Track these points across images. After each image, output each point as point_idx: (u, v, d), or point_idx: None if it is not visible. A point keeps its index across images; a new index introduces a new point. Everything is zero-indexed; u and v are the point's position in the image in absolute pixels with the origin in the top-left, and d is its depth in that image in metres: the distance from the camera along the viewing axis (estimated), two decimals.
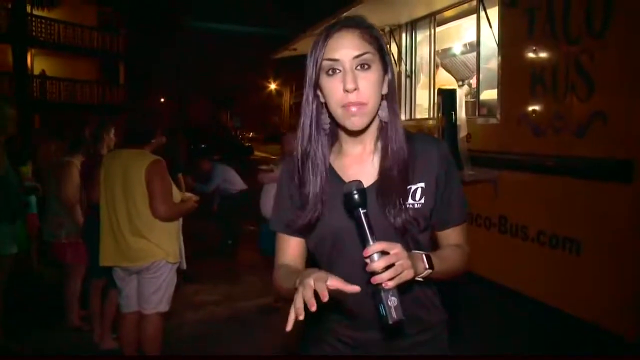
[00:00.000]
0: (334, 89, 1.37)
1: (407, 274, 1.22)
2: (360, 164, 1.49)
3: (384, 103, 1.42)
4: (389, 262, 1.19)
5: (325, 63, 1.37)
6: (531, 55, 4.30)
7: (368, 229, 1.24)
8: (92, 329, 4.47)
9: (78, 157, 4.47)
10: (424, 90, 6.42)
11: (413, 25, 6.36)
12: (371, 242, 1.22)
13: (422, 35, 6.36)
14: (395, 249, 1.21)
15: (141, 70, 29.40)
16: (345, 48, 1.36)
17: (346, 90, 1.34)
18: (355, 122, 1.38)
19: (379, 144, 1.48)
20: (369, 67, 1.36)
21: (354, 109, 1.35)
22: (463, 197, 1.55)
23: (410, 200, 1.42)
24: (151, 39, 29.59)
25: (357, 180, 1.30)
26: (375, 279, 1.18)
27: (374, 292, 1.20)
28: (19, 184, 4.29)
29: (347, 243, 1.43)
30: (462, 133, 4.91)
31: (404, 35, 6.45)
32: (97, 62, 27.00)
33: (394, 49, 6.55)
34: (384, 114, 1.43)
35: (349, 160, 1.50)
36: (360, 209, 1.26)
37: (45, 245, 5.34)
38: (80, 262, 4.54)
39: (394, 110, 1.43)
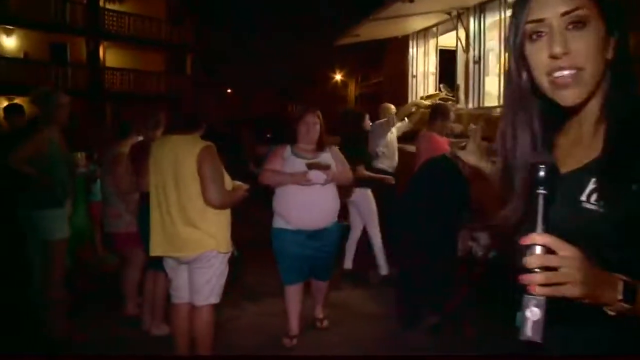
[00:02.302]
0: (538, 56, 1.10)
1: (569, 290, 0.93)
2: (572, 149, 1.19)
3: (609, 72, 1.09)
4: (549, 263, 0.93)
5: (529, 26, 1.10)
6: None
7: (542, 214, 0.98)
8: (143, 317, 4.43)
9: (128, 145, 4.45)
10: (493, 77, 6.05)
11: (482, 9, 6.01)
12: (539, 231, 0.96)
13: (491, 20, 5.99)
14: (568, 252, 0.94)
15: (207, 61, 29.92)
16: (551, 5, 1.08)
17: (553, 56, 1.07)
18: (566, 95, 1.09)
19: (602, 126, 1.14)
20: (584, 25, 1.07)
21: (563, 79, 1.08)
22: None
23: (582, 197, 1.09)
24: (218, 31, 30.07)
25: (547, 153, 1.07)
26: (524, 277, 0.93)
27: (518, 292, 0.95)
28: (69, 169, 4.29)
29: None
30: None
31: (472, 19, 6.10)
32: (165, 53, 27.62)
33: (461, 34, 6.22)
34: (608, 85, 1.11)
35: (561, 144, 1.22)
36: (540, 188, 1.00)
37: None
38: (139, 252, 4.52)
39: (627, 81, 1.10)
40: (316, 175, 3.83)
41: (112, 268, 6.04)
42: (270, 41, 36.87)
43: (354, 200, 5.44)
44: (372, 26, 6.75)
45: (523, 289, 0.92)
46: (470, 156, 4.75)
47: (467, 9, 6.13)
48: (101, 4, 23.62)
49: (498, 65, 5.84)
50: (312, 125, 3.96)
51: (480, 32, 6.07)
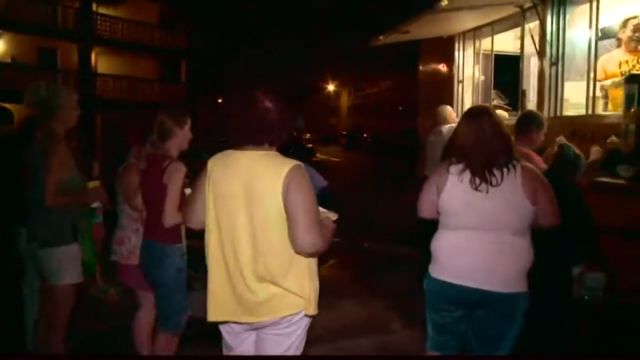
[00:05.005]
0: None
1: None
2: None
3: None
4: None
5: None
6: None
7: None
8: None
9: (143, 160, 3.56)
10: (573, 82, 5.19)
11: (561, 0, 5.14)
12: None
13: (574, 11, 5.12)
14: None
15: (202, 68, 28.99)
16: None
17: None
18: None
19: None
20: None
21: None
22: None
23: None
24: (213, 37, 29.23)
25: None
26: None
27: None
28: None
29: None
30: None
31: (549, 12, 5.21)
32: (159, 59, 26.70)
33: (535, 30, 5.36)
34: None
35: None
36: None
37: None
38: (147, 291, 3.57)
39: None
40: None
41: (115, 301, 5.13)
42: (265, 48, 36.11)
43: None
44: (427, 21, 5.87)
45: None
46: None
47: (544, 0, 5.24)
48: (94, 8, 22.68)
49: (588, 66, 4.93)
50: None
51: (558, 28, 5.18)
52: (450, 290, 2.67)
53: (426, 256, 2.87)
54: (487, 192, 2.56)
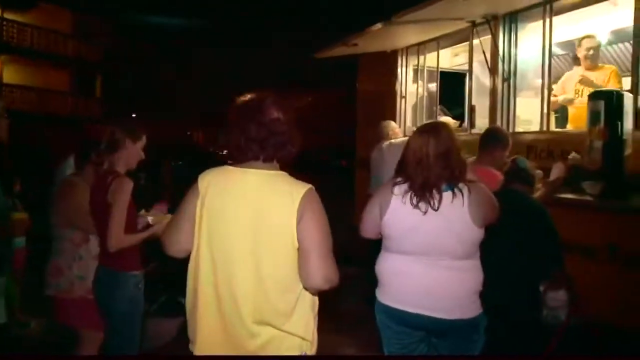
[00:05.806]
0: None
1: None
2: None
3: None
4: None
5: None
6: None
7: None
8: None
9: (86, 177, 3.14)
10: (525, 98, 5.19)
11: (513, 17, 5.14)
12: None
13: (527, 28, 5.14)
14: None
15: (118, 84, 27.67)
16: None
17: None
18: None
19: None
20: None
21: None
22: None
23: None
24: (131, 50, 28.16)
25: None
26: None
27: None
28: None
29: None
30: (628, 150, 3.68)
31: (501, 28, 5.20)
32: (72, 71, 25.26)
33: (486, 45, 5.33)
34: None
35: None
36: None
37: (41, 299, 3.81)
38: (93, 329, 3.12)
39: None
40: None
41: (38, 337, 4.53)
42: (185, 63, 35.28)
43: None
44: (376, 34, 5.73)
45: None
46: None
47: (495, 17, 5.21)
48: None
49: (542, 82, 4.92)
50: None
51: (510, 44, 5.17)
52: (399, 316, 2.49)
53: (372, 277, 2.67)
54: (428, 216, 2.38)
